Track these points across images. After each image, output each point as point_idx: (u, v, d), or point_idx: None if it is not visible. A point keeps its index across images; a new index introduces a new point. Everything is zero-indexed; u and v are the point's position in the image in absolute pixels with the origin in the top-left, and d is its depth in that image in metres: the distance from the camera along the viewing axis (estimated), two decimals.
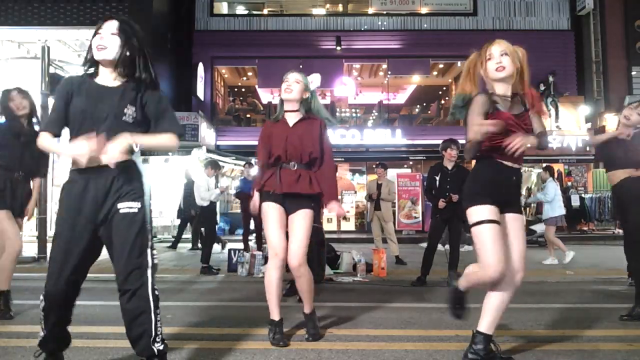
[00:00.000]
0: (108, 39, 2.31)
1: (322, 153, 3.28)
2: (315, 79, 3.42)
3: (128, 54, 2.32)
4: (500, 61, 2.59)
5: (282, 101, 3.38)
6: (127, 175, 2.29)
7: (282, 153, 3.22)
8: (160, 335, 2.24)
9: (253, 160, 8.76)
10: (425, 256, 5.65)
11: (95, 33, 2.34)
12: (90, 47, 2.34)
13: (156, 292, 2.26)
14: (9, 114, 3.80)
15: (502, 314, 2.60)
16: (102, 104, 2.26)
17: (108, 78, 2.34)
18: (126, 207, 2.24)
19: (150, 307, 2.23)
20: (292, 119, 3.33)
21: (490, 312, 2.58)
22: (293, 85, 3.28)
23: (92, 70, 2.37)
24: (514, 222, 2.60)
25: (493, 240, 2.44)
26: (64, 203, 2.27)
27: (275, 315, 3.10)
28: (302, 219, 3.17)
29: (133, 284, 2.22)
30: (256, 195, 3.34)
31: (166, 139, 2.37)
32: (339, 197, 15.48)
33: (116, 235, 2.24)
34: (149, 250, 2.28)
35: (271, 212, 3.21)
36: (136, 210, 2.26)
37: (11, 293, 3.92)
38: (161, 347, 2.24)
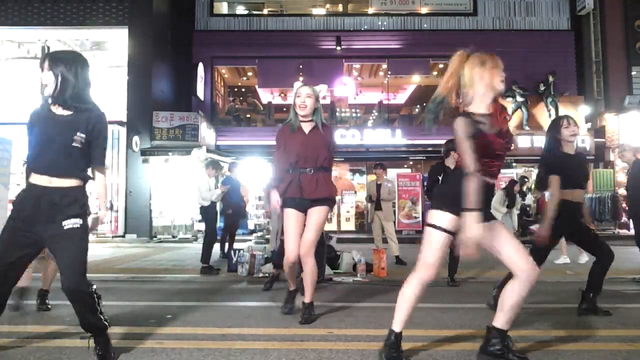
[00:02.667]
0: (48, 76, 2.64)
1: (327, 155, 3.74)
2: (322, 89, 3.84)
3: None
4: (504, 76, 2.62)
5: (295, 113, 3.74)
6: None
7: (301, 159, 3.66)
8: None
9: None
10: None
11: (42, 69, 2.65)
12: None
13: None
14: None
15: (518, 312, 2.58)
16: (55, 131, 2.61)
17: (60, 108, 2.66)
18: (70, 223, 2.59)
19: None
20: (307, 127, 3.75)
21: (505, 308, 2.56)
22: (307, 100, 3.69)
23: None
24: (498, 229, 2.58)
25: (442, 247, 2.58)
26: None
27: (291, 287, 3.89)
28: (317, 214, 3.65)
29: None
30: (275, 195, 3.74)
31: (101, 183, 2.82)
32: (338, 197, 15.56)
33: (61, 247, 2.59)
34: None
35: (291, 220, 3.68)
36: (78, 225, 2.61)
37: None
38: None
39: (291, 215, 3.68)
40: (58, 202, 2.56)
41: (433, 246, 2.57)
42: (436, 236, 2.56)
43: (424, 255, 2.61)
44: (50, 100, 2.65)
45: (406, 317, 2.65)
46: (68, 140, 2.57)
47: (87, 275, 2.61)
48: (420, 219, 14.01)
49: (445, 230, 2.54)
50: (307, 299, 3.69)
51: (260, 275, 6.12)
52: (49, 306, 4.07)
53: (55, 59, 2.63)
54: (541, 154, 4.21)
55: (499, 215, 8.20)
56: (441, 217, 2.55)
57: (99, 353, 2.68)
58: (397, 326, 2.65)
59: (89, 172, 2.75)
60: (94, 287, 2.64)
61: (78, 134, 2.59)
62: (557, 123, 3.97)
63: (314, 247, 3.63)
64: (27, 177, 2.67)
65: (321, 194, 3.64)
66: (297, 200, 3.65)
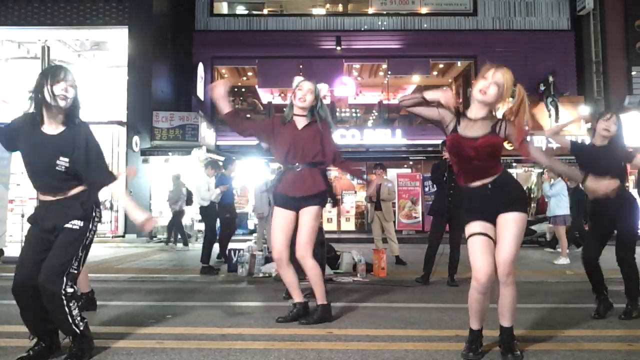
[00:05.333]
0: (70, 90, 2.64)
1: (331, 153, 3.68)
2: (323, 88, 3.78)
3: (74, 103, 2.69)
4: (487, 87, 2.67)
5: (292, 104, 3.70)
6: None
7: (289, 155, 3.60)
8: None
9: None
10: (427, 256, 5.66)
11: (58, 81, 2.60)
12: (41, 93, 2.60)
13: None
14: None
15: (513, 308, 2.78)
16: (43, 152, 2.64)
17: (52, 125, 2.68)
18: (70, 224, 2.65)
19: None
20: (300, 122, 3.67)
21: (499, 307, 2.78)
22: (307, 95, 3.64)
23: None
24: (502, 221, 2.71)
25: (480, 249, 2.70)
26: None
27: (297, 298, 3.66)
28: (307, 215, 3.57)
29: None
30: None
31: (120, 193, 2.88)
32: (338, 197, 15.54)
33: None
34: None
35: (277, 218, 3.64)
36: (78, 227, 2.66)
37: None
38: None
39: (277, 213, 3.65)
40: (66, 210, 2.65)
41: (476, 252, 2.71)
42: (474, 241, 2.73)
43: (472, 265, 2.74)
44: (49, 115, 2.64)
45: (479, 318, 2.82)
46: (52, 165, 2.60)
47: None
48: (420, 219, 14.01)
49: (480, 234, 2.72)
50: (319, 301, 3.62)
51: (261, 275, 6.12)
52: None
53: (73, 77, 2.67)
54: None
55: None
56: (471, 227, 2.75)
57: (73, 351, 2.69)
58: (474, 325, 2.83)
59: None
60: (73, 290, 2.61)
61: (61, 158, 2.60)
62: (601, 113, 3.97)
63: (309, 248, 3.56)
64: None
65: (306, 191, 3.55)
66: (284, 198, 3.62)
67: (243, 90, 19.32)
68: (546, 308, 4.23)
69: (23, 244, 2.74)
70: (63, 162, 2.61)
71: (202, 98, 15.36)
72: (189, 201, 10.64)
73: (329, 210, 15.55)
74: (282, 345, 2.98)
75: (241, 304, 4.46)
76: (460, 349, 2.80)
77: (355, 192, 15.62)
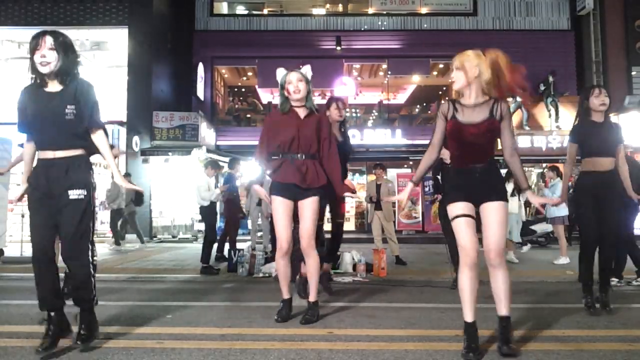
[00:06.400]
0: (49, 55, 2.77)
1: (329, 146, 3.64)
2: (307, 70, 3.71)
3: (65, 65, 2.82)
4: (453, 77, 2.95)
5: (286, 99, 3.67)
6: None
7: (293, 144, 3.55)
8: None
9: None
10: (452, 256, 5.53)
11: (35, 49, 2.77)
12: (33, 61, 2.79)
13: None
14: None
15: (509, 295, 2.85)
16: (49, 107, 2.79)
17: (52, 85, 2.84)
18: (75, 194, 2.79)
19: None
20: (302, 112, 3.64)
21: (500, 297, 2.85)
22: (299, 84, 3.60)
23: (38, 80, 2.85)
24: (489, 209, 2.85)
25: (466, 229, 2.83)
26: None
27: (285, 295, 3.64)
28: (310, 204, 3.56)
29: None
30: (261, 189, 3.79)
31: (105, 146, 2.94)
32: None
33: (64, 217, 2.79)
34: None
35: (279, 208, 3.58)
36: (82, 197, 2.81)
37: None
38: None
39: (279, 203, 3.58)
40: (65, 171, 2.78)
41: (462, 231, 2.83)
42: (459, 222, 2.84)
43: (460, 243, 2.84)
44: (45, 77, 2.81)
45: (472, 306, 2.81)
46: (62, 114, 2.76)
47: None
48: (420, 219, 14.02)
49: (464, 215, 2.84)
50: (311, 298, 3.62)
51: (261, 275, 6.12)
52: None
53: (57, 39, 2.80)
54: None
55: (512, 207, 8.09)
56: (455, 208, 2.88)
57: (82, 334, 2.80)
58: (467, 317, 2.82)
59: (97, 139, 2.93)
60: (96, 259, 2.78)
61: (68, 106, 2.77)
62: (587, 91, 3.94)
63: (314, 236, 3.57)
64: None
65: (314, 182, 3.55)
66: (287, 186, 3.54)
67: (243, 90, 19.33)
68: (546, 308, 4.22)
69: (29, 211, 2.84)
70: (71, 109, 2.78)
71: (202, 98, 15.36)
72: (138, 201, 10.55)
73: (329, 210, 15.56)
74: (282, 345, 2.98)
75: (241, 304, 4.46)
76: (460, 349, 2.80)
77: (355, 192, 15.59)
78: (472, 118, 2.85)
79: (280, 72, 3.75)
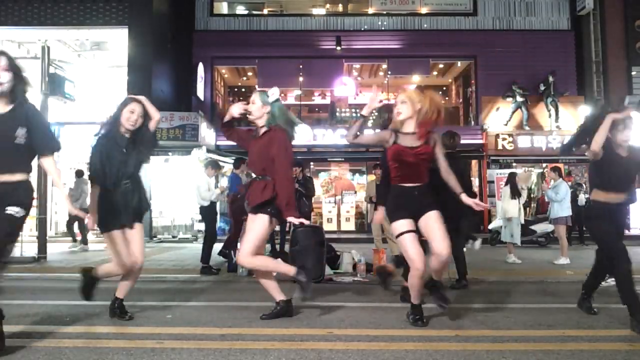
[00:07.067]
0: (3, 75, 2.79)
1: (278, 164, 3.55)
2: (274, 92, 3.73)
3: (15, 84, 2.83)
4: (398, 108, 3.51)
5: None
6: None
7: (251, 166, 3.85)
8: None
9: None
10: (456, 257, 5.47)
11: None
12: None
13: None
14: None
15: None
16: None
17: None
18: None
19: None
20: (260, 132, 3.73)
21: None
22: (250, 106, 3.70)
23: None
24: (428, 218, 3.43)
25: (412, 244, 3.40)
26: None
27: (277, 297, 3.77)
28: (250, 222, 3.67)
29: None
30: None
31: (55, 171, 3.05)
32: (338, 197, 15.54)
33: None
34: None
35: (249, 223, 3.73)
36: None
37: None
38: None
39: (250, 218, 3.73)
40: (5, 194, 2.75)
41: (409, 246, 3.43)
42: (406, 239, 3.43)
43: (410, 257, 3.43)
44: None
45: (419, 295, 3.55)
46: (11, 137, 2.75)
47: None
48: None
49: (409, 232, 3.42)
50: (415, 300, 3.59)
51: None
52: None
53: (12, 61, 2.85)
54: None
55: (512, 210, 8.09)
56: (400, 225, 3.46)
57: None
58: (415, 300, 3.56)
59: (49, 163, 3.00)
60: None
61: (19, 129, 2.78)
62: (616, 125, 3.66)
63: (249, 253, 3.57)
64: None
65: (254, 201, 3.61)
66: (247, 206, 3.72)
67: (243, 90, 19.33)
68: (546, 308, 4.23)
69: None
70: (22, 132, 2.79)
71: (202, 98, 15.35)
72: None
73: (329, 210, 15.58)
74: (282, 345, 2.98)
75: (241, 304, 4.46)
76: (460, 349, 2.81)
77: (356, 192, 15.62)
78: (412, 144, 3.45)
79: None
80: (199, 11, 16.12)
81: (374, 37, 15.98)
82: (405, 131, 3.50)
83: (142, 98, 3.73)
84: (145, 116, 3.69)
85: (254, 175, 3.78)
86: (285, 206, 3.52)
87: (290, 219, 3.56)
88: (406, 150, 3.44)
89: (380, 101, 3.62)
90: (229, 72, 17.91)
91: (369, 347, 2.95)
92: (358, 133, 3.55)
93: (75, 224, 10.21)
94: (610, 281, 5.46)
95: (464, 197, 3.46)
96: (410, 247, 3.37)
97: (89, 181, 3.83)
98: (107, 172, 3.51)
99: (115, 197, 3.52)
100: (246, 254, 3.59)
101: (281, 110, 3.72)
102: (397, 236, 3.42)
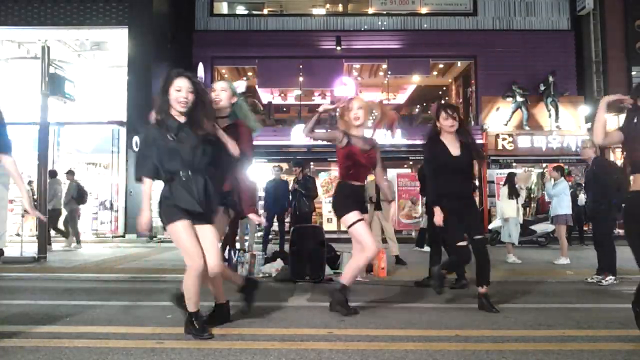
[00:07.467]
0: None
1: (242, 156, 3.31)
2: (240, 85, 3.76)
3: None
4: (357, 113, 3.92)
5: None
6: None
7: None
8: None
9: None
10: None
11: None
12: None
13: None
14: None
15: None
16: None
17: None
18: None
19: None
20: (222, 125, 3.36)
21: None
22: (221, 93, 3.41)
23: None
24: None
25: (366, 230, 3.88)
26: None
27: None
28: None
29: None
30: None
31: (16, 171, 2.98)
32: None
33: None
34: None
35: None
36: None
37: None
38: None
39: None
40: None
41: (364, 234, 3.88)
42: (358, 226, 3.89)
43: (366, 242, 3.86)
44: None
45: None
46: None
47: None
48: (420, 219, 13.98)
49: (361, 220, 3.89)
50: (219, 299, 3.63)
51: (260, 275, 6.11)
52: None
53: None
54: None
55: (510, 210, 8.11)
56: (351, 216, 3.87)
57: None
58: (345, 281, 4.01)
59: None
60: None
61: None
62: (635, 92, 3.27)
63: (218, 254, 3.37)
64: None
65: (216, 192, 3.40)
66: None
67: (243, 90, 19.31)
68: (546, 308, 4.23)
69: None
70: None
71: None
72: (81, 199, 10.40)
73: (329, 210, 15.56)
74: (282, 345, 2.98)
75: (241, 304, 4.45)
76: (460, 349, 2.81)
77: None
78: (364, 147, 3.89)
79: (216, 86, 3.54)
80: (199, 11, 16.12)
81: (374, 37, 15.99)
82: (356, 134, 3.92)
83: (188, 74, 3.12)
84: (198, 93, 3.09)
85: None
86: (248, 206, 3.41)
87: (251, 215, 3.47)
88: (359, 153, 3.87)
89: (336, 106, 4.13)
90: (229, 72, 17.91)
91: (369, 347, 2.95)
92: (314, 129, 3.86)
93: (60, 221, 10.24)
94: (611, 281, 5.49)
95: (392, 204, 3.82)
96: (364, 233, 3.80)
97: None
98: (155, 164, 3.03)
99: (173, 191, 3.04)
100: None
101: (245, 105, 3.57)
102: (350, 225, 3.81)
